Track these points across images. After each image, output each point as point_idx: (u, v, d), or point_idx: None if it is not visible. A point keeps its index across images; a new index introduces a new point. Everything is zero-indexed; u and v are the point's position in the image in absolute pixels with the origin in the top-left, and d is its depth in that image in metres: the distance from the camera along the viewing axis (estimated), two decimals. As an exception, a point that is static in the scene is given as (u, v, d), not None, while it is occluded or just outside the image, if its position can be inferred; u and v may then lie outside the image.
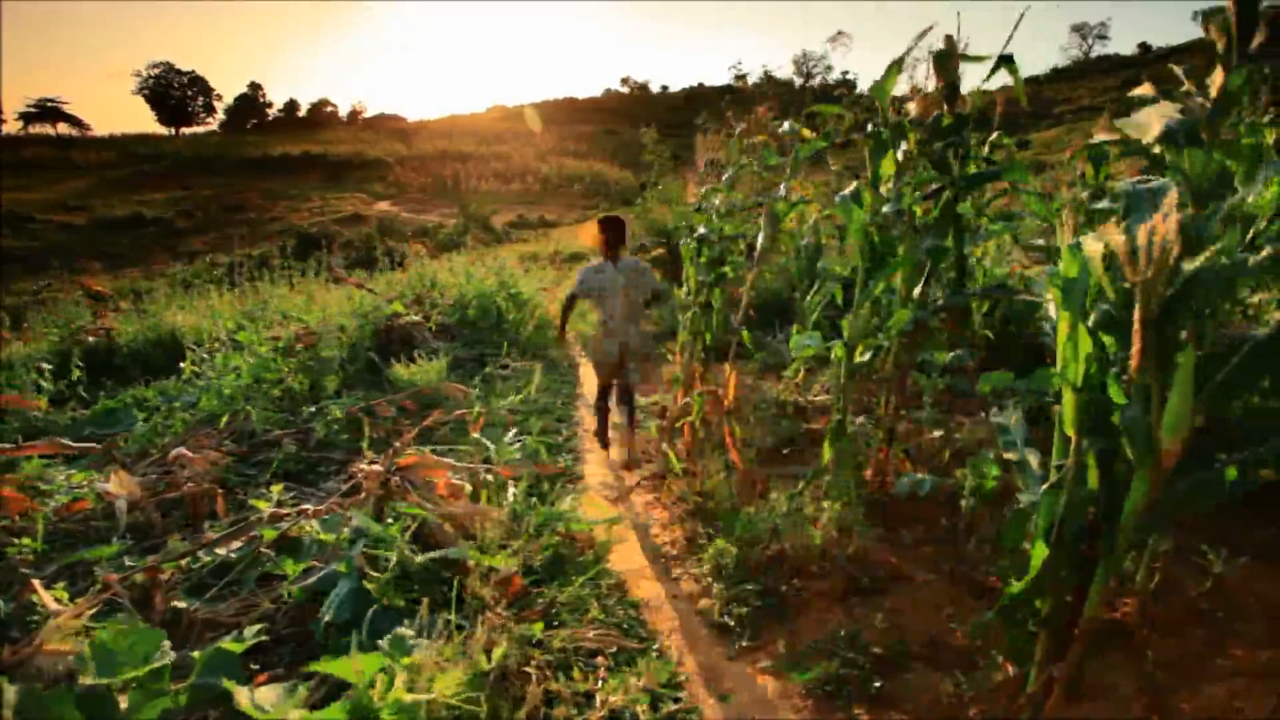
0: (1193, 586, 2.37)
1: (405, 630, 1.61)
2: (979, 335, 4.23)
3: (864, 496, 2.80)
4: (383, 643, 1.56)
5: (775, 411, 4.15)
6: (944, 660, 2.10)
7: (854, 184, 2.53)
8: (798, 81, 73.86)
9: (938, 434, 3.34)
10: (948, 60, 2.29)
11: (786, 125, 2.90)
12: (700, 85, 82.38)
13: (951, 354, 3.58)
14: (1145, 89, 2.15)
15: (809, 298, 4.58)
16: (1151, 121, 1.23)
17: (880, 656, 2.10)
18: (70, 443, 3.21)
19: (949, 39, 2.30)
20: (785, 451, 3.68)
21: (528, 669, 1.63)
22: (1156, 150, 1.72)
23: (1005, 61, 2.22)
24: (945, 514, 2.87)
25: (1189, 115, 1.22)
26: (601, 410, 4.11)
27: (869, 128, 2.49)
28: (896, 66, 2.35)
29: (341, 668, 1.48)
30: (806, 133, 2.78)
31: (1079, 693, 1.92)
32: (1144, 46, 67.61)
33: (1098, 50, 73.94)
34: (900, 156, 2.42)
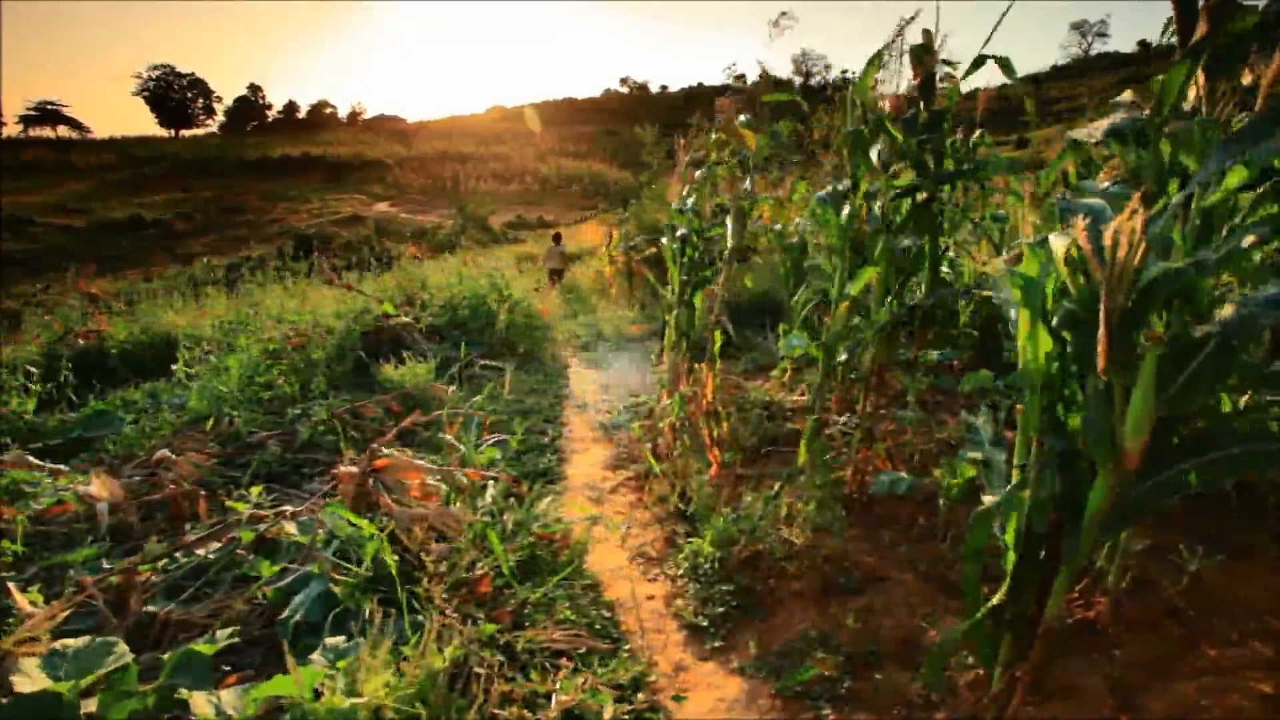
0: (1169, 585, 2.36)
1: (338, 639, 1.61)
2: (964, 334, 4.23)
3: (842, 496, 2.79)
4: (316, 654, 1.55)
5: (760, 412, 4.15)
6: (916, 660, 2.09)
7: (830, 186, 2.52)
8: (797, 80, 73.82)
9: (921, 434, 3.34)
10: (924, 55, 2.27)
11: (742, 119, 2.89)
12: (699, 85, 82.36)
13: (937, 353, 3.57)
14: (1126, 95, 2.15)
15: (795, 297, 4.58)
16: (1099, 127, 1.23)
17: (852, 656, 2.10)
18: (36, 460, 3.22)
19: (926, 33, 2.28)
20: (766, 451, 3.67)
21: (484, 669, 1.62)
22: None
23: (982, 61, 2.20)
24: (925, 513, 2.87)
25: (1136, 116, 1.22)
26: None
27: (853, 125, 2.47)
28: (876, 61, 2.33)
29: (282, 686, 1.47)
30: (749, 135, 2.78)
31: (1048, 692, 1.92)
32: (1144, 44, 67.50)
33: (1098, 48, 73.92)
34: (875, 155, 2.41)
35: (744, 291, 6.22)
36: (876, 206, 2.43)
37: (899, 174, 2.59)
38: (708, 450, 3.21)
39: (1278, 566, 2.45)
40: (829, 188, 2.78)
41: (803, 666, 2.05)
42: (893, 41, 2.28)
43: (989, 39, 2.16)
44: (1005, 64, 2.27)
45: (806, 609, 2.35)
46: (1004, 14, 2.10)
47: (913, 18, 2.42)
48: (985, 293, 2.35)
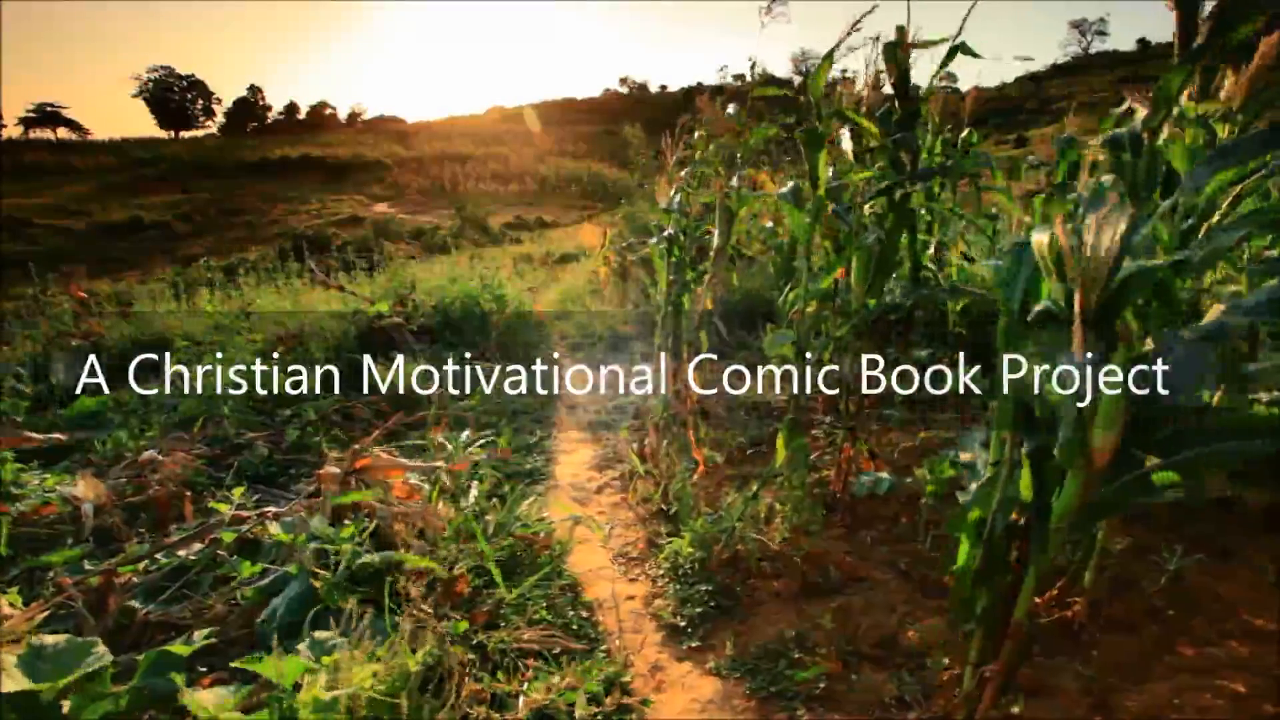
0: (1150, 585, 2.36)
1: (325, 633, 1.62)
2: (954, 333, 4.22)
3: (824, 495, 2.79)
4: (302, 646, 1.56)
5: (749, 411, 4.15)
6: (893, 660, 2.09)
7: (791, 182, 2.53)
8: (796, 80, 73.69)
9: (906, 433, 3.34)
10: (898, 52, 2.26)
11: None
12: (699, 85, 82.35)
13: (925, 353, 3.57)
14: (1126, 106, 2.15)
15: (785, 296, 4.57)
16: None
17: (829, 657, 2.09)
18: (35, 435, 3.22)
19: (900, 29, 2.27)
20: (753, 452, 3.68)
21: (456, 669, 1.63)
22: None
23: (955, 52, 2.20)
24: (908, 513, 2.87)
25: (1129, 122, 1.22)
26: None
27: (808, 123, 2.47)
28: (829, 60, 2.33)
29: (265, 666, 1.48)
30: (707, 133, 2.77)
31: (1021, 692, 1.91)
32: (1143, 42, 67.54)
33: (1097, 46, 73.97)
34: (848, 152, 2.40)
35: (737, 291, 6.22)
36: (849, 202, 2.43)
37: (869, 170, 2.57)
38: (693, 450, 3.21)
39: (1259, 566, 2.45)
40: (788, 185, 2.77)
41: (784, 669, 2.05)
42: (845, 38, 2.26)
43: (960, 29, 2.16)
44: (966, 49, 2.28)
45: (785, 609, 2.35)
46: (973, 5, 2.10)
47: (863, 16, 2.39)
48: (966, 292, 2.35)
